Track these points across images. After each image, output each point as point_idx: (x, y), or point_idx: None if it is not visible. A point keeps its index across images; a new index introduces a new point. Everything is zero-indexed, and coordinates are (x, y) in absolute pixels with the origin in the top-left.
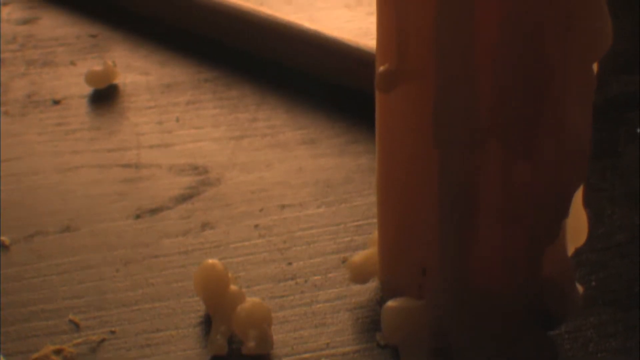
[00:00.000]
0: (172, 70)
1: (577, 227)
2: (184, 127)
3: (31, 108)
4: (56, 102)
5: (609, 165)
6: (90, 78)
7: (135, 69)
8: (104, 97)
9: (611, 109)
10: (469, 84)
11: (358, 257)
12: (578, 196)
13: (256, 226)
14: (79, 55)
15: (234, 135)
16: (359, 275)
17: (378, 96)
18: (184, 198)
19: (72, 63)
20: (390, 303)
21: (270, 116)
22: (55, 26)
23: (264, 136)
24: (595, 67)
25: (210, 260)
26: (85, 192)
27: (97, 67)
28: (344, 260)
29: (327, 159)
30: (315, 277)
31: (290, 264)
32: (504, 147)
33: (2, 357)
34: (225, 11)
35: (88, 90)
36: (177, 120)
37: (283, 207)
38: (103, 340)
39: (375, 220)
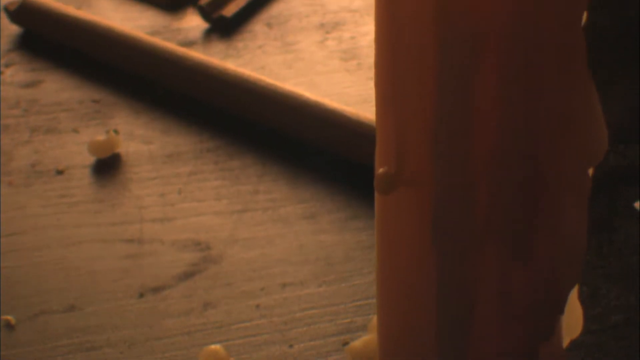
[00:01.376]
0: (174, 139)
1: (572, 319)
2: (186, 200)
3: (35, 178)
4: (59, 172)
5: (604, 241)
6: (93, 148)
7: (138, 137)
8: (107, 167)
9: (607, 181)
10: (467, 190)
11: (358, 342)
12: (573, 289)
13: (257, 306)
14: (82, 122)
15: (236, 209)
16: None
17: (377, 197)
18: (186, 276)
19: (75, 130)
20: None
21: (272, 188)
22: (59, 90)
23: (265, 210)
24: (590, 170)
25: (212, 346)
26: (89, 269)
27: (100, 137)
28: (345, 344)
29: (328, 235)
30: None
31: (291, 346)
32: (501, 250)
33: None
34: (226, 79)
35: (91, 159)
36: (179, 192)
37: (284, 285)
38: None
39: (374, 300)
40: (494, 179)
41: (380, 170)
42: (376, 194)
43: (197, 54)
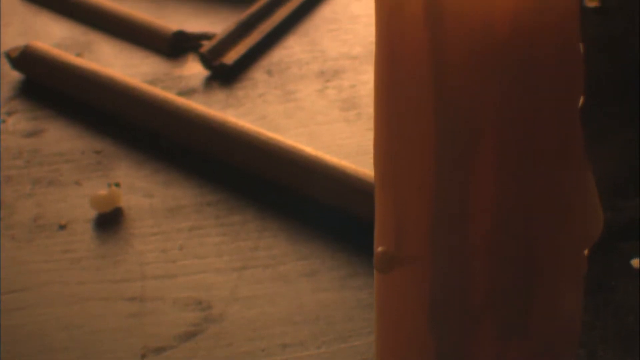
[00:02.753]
0: (175, 192)
1: None
2: (188, 257)
3: (37, 233)
4: (62, 227)
5: (601, 301)
6: (95, 203)
7: (139, 190)
8: (109, 221)
9: (604, 237)
10: (464, 270)
11: None
12: None
13: None
14: (84, 174)
15: (236, 266)
16: None
17: (376, 275)
18: (188, 336)
19: (77, 183)
20: None
21: (272, 244)
22: (60, 140)
23: (266, 267)
24: (586, 251)
25: None
26: (92, 328)
27: (102, 191)
28: None
29: (328, 294)
30: None
31: None
32: (497, 328)
33: None
34: (227, 132)
35: (93, 213)
36: (180, 248)
37: (284, 346)
38: None
39: None
40: (491, 261)
41: (379, 249)
42: (375, 272)
43: (198, 106)
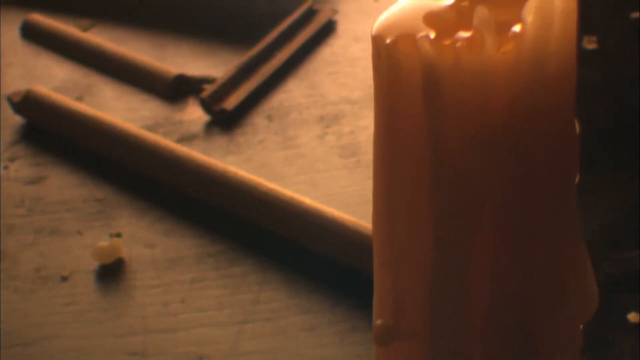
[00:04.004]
0: (176, 242)
1: None
2: (188, 310)
3: (40, 284)
4: (64, 279)
5: (598, 357)
6: (97, 254)
7: (141, 240)
8: (111, 273)
9: (601, 290)
10: (462, 345)
11: None
12: None
13: None
14: (86, 223)
15: (237, 320)
16: None
17: (375, 348)
18: None
19: (79, 233)
20: None
21: (272, 298)
22: (62, 187)
23: (266, 321)
24: (581, 327)
25: None
26: None
27: (104, 243)
28: None
29: (327, 349)
30: None
31: None
32: None
33: None
34: (227, 182)
35: (94, 264)
36: (182, 301)
37: None
38: None
39: None
40: (489, 336)
41: (377, 322)
42: (375, 345)
43: (199, 155)
